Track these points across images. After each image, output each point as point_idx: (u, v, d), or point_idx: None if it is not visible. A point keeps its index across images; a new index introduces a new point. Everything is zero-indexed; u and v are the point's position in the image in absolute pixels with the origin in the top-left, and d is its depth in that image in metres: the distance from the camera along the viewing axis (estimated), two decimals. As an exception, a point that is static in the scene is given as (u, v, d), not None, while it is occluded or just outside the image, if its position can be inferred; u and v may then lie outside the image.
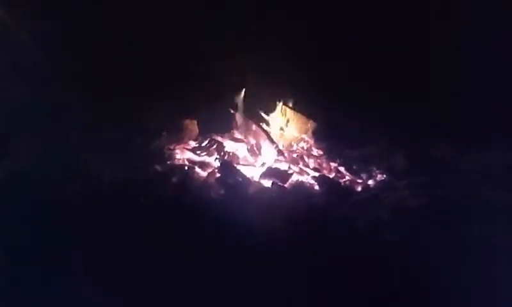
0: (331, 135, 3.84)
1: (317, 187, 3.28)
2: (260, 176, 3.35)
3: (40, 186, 3.05)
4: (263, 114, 3.91)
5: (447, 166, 3.41)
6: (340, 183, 3.38)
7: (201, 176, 3.36)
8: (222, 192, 3.16)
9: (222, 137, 3.83)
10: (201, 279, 2.45)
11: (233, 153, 3.69)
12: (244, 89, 3.87)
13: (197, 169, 3.44)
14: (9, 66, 3.68)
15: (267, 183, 3.28)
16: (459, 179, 3.25)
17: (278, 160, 3.57)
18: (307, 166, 3.56)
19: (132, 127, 3.72)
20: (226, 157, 3.61)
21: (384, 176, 3.43)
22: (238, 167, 3.42)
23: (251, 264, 2.51)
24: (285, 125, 4.01)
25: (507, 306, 2.38)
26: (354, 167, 3.52)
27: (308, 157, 3.70)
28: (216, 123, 3.90)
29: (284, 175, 3.34)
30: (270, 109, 3.93)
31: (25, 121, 3.55)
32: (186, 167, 3.44)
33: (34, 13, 3.63)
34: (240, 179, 3.27)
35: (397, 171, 3.43)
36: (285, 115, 3.98)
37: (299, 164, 3.56)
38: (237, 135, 3.89)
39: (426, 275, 2.49)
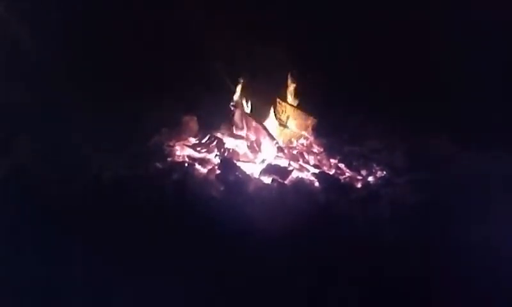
0: (331, 132, 3.84)
1: (317, 184, 3.28)
2: (260, 172, 3.34)
3: (40, 184, 3.06)
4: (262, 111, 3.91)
5: (447, 163, 3.41)
6: (340, 179, 3.37)
7: (201, 173, 3.36)
8: (222, 188, 3.16)
9: (222, 133, 3.83)
10: (201, 276, 2.46)
11: (233, 149, 3.68)
12: (244, 86, 3.86)
13: (197, 166, 3.43)
14: (9, 65, 3.68)
15: (267, 179, 3.28)
16: (459, 176, 3.25)
17: (278, 156, 3.57)
18: (307, 163, 3.55)
19: (132, 124, 3.72)
20: (226, 154, 3.60)
21: (385, 172, 3.42)
22: (238, 163, 3.42)
23: (251, 261, 2.52)
24: (285, 121, 4.00)
25: (507, 305, 2.39)
26: (354, 163, 3.52)
27: (308, 154, 3.69)
28: (216, 120, 3.90)
29: (284, 172, 3.34)
30: (270, 106, 3.92)
31: (25, 120, 3.55)
32: (186, 164, 3.43)
33: (34, 13, 3.62)
34: (240, 176, 3.27)
35: (397, 168, 3.43)
36: (285, 112, 3.97)
37: (299, 160, 3.56)
38: (237, 131, 3.89)
39: (426, 272, 2.50)
